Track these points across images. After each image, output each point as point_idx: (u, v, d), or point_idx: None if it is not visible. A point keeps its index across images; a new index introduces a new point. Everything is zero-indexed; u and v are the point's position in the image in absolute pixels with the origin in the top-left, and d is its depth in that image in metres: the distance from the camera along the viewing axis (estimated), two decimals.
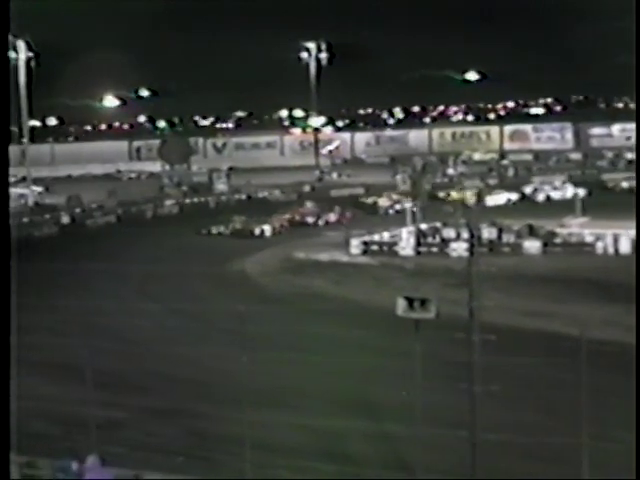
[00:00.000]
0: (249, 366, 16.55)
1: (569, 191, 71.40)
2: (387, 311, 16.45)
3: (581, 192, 71.24)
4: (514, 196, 72.07)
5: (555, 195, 71.69)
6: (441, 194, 71.63)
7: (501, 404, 17.70)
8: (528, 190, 73.17)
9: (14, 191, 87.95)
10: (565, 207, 56.64)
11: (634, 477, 14.49)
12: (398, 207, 65.78)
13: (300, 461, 18.32)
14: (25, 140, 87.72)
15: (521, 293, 36.61)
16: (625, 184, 74.32)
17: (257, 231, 56.77)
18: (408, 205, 66.11)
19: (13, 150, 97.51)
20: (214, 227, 58.31)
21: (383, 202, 68.58)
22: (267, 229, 57.16)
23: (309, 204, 64.90)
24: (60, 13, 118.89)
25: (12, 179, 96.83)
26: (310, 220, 61.40)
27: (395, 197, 69.10)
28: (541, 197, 71.97)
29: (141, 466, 17.37)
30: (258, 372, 16.93)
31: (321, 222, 61.54)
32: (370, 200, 70.09)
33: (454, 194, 72.05)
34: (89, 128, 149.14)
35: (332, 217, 62.34)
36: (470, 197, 70.30)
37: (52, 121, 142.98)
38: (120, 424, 21.40)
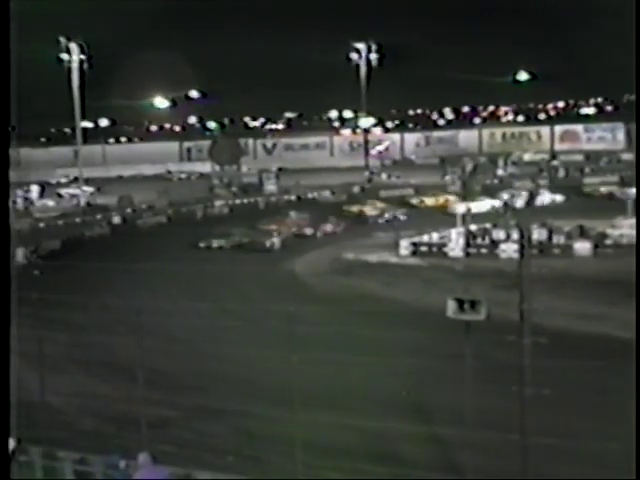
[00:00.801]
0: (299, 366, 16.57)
1: (547, 197, 70.72)
2: (437, 312, 16.37)
3: (558, 198, 70.55)
4: (497, 202, 67.70)
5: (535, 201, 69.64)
6: (414, 201, 69.86)
7: (552, 408, 17.53)
8: (506, 196, 70.03)
9: (66, 191, 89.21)
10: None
11: (634, 477, 14.27)
12: (387, 216, 64.23)
13: (349, 462, 18.30)
14: (78, 141, 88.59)
15: (572, 295, 36.27)
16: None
17: (268, 244, 54.87)
18: (396, 213, 65.12)
19: (66, 151, 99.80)
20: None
21: (369, 211, 66.16)
22: (276, 242, 55.28)
23: (293, 214, 62.63)
24: (110, 14, 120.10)
25: (64, 179, 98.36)
26: (309, 232, 59.44)
27: (380, 205, 67.34)
28: (520, 203, 68.43)
29: (191, 465, 17.47)
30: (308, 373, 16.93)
31: (319, 233, 59.65)
32: (355, 209, 67.25)
33: (427, 200, 70.55)
34: (140, 129, 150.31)
35: (328, 227, 60.67)
36: (447, 203, 67.47)
37: (104, 122, 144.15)
38: (171, 423, 21.56)
